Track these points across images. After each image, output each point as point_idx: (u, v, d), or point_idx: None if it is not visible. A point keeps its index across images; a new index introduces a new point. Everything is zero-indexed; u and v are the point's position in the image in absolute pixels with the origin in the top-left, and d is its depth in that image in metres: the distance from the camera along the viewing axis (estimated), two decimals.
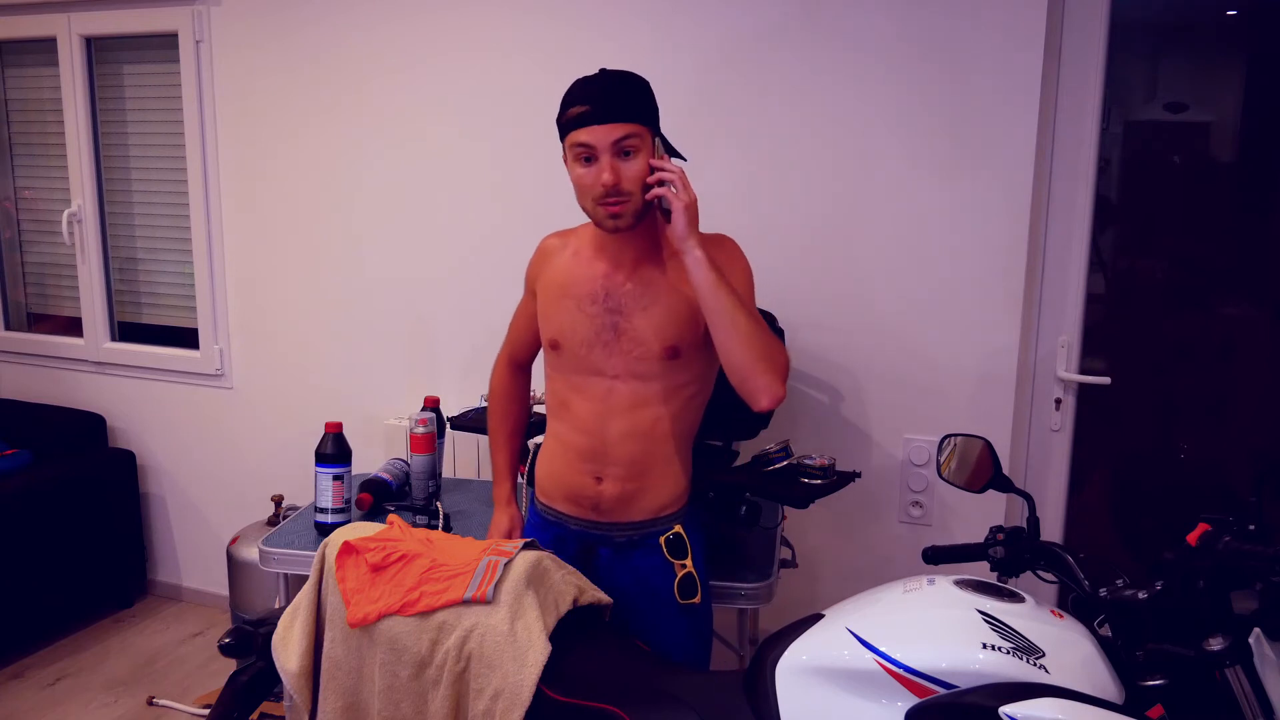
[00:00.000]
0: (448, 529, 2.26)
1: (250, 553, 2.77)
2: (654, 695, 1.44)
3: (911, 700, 1.25)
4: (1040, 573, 1.47)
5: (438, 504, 2.32)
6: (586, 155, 1.64)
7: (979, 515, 2.51)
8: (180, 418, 3.41)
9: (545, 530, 1.88)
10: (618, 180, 1.62)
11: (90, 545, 3.25)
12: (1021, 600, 1.32)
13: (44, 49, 3.37)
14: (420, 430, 2.36)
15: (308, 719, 1.64)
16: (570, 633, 1.56)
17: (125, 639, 3.25)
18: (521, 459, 2.14)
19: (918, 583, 1.40)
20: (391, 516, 1.81)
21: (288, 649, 1.63)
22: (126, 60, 3.30)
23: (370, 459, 3.00)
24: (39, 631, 3.18)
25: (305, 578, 1.70)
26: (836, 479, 2.06)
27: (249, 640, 1.66)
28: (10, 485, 3.03)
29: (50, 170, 3.49)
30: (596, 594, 1.67)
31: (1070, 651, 1.25)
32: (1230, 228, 2.42)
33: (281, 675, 1.62)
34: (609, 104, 1.62)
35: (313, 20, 2.97)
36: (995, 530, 1.52)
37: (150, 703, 2.85)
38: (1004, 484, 1.56)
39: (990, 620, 1.28)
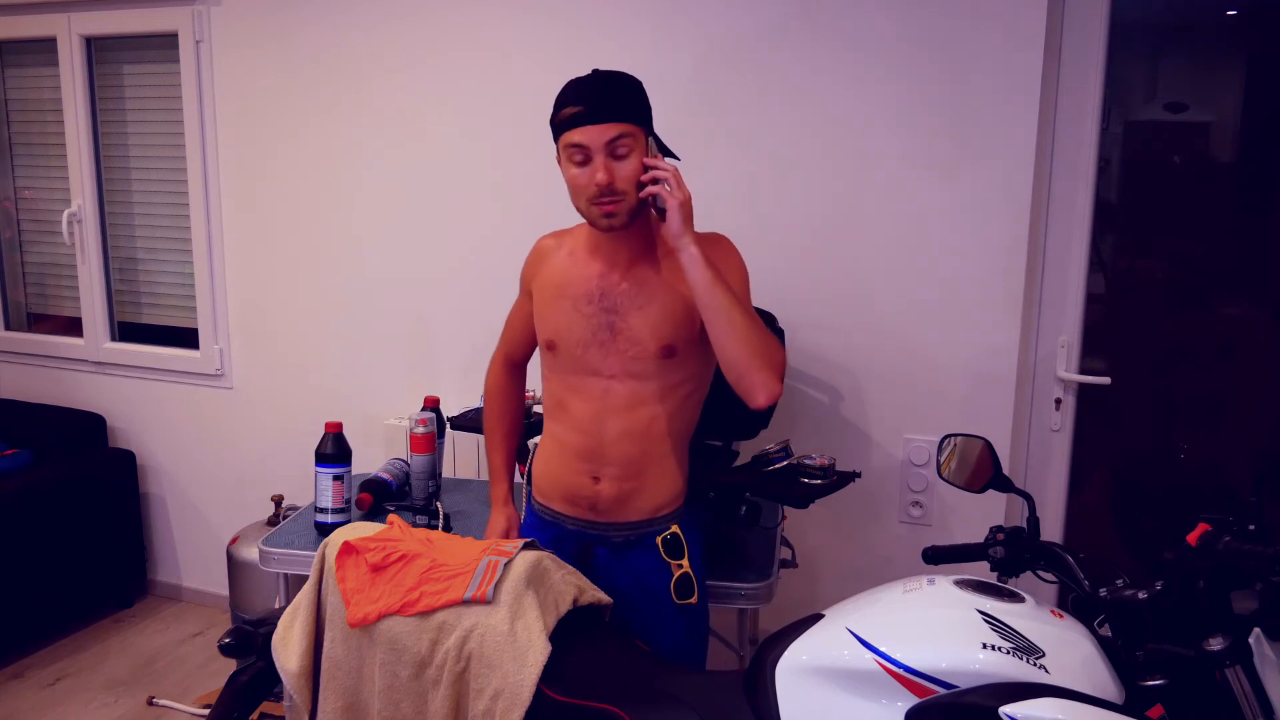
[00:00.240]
0: (448, 529, 2.26)
1: (250, 553, 2.77)
2: (654, 695, 1.44)
3: (911, 700, 1.25)
4: (1040, 573, 1.47)
5: (438, 504, 2.32)
6: (580, 156, 1.64)
7: (979, 515, 2.51)
8: (180, 418, 3.42)
9: (543, 530, 1.88)
10: (611, 180, 1.63)
11: (90, 545, 3.25)
12: (1021, 600, 1.32)
13: (44, 49, 3.37)
14: (420, 430, 2.36)
15: (308, 719, 1.64)
16: (570, 633, 1.56)
17: (125, 639, 3.25)
18: (521, 458, 2.14)
19: (918, 583, 1.40)
20: (391, 516, 1.81)
21: (288, 649, 1.63)
22: (126, 60, 3.30)
23: (370, 459, 3.00)
24: (39, 631, 3.18)
25: (305, 578, 1.70)
26: (836, 479, 2.06)
27: (249, 640, 1.66)
28: (10, 485, 3.03)
29: (50, 170, 3.49)
30: (596, 594, 1.67)
31: (1070, 651, 1.25)
32: (1230, 228, 2.42)
33: (281, 675, 1.62)
34: (601, 104, 1.62)
35: (313, 20, 2.97)
36: (995, 530, 1.52)
37: (150, 703, 2.85)
38: (1004, 484, 1.56)
39: (990, 620, 1.28)
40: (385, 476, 2.42)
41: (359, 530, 1.70)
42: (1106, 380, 2.45)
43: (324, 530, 2.23)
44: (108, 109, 3.36)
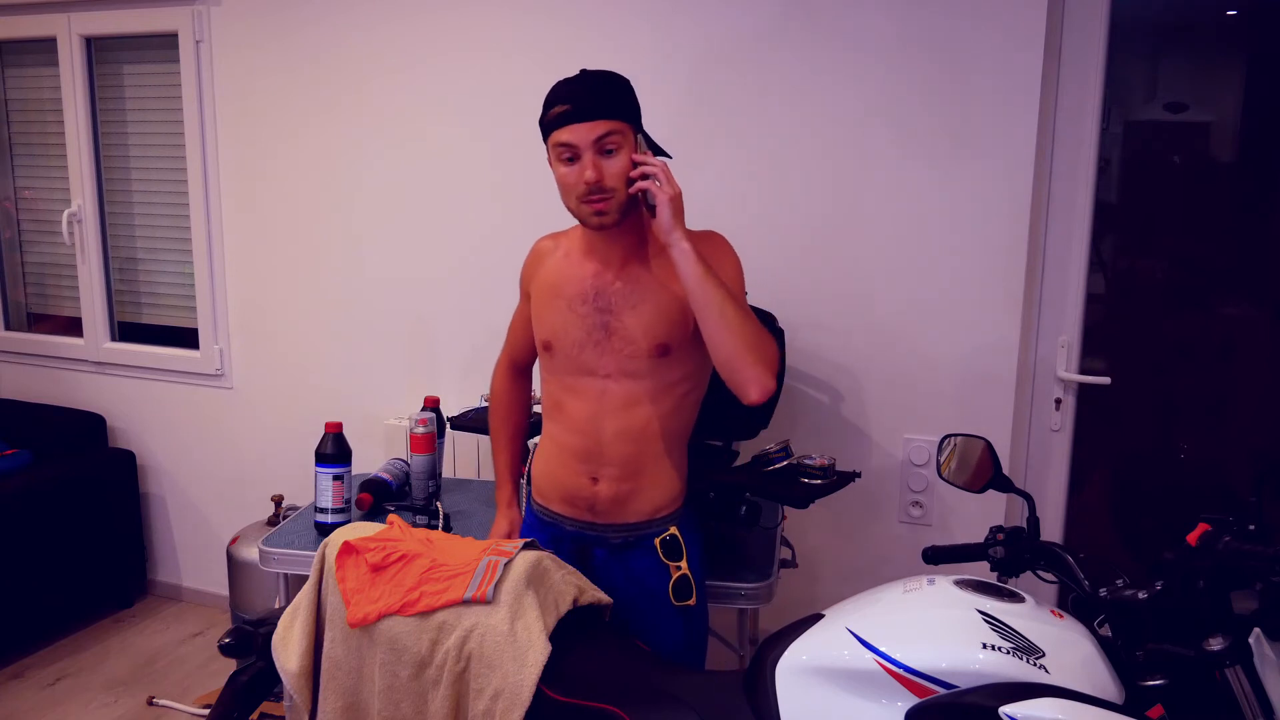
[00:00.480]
0: (448, 529, 2.26)
1: (250, 553, 2.77)
2: (654, 695, 1.44)
3: (911, 700, 1.25)
4: (1040, 573, 1.47)
5: (438, 504, 2.32)
6: (569, 154, 1.65)
7: (979, 515, 2.51)
8: (180, 418, 3.41)
9: (541, 531, 1.88)
10: (600, 177, 1.63)
11: (90, 545, 3.25)
12: (1021, 600, 1.32)
13: (44, 49, 3.37)
14: (420, 430, 2.36)
15: (308, 719, 1.64)
16: (570, 633, 1.56)
17: (125, 639, 3.25)
18: (524, 460, 2.14)
19: (918, 583, 1.40)
20: (391, 516, 1.81)
21: (288, 649, 1.63)
22: (126, 60, 3.30)
23: (370, 459, 3.00)
24: (39, 631, 3.18)
25: (305, 578, 1.70)
26: (836, 479, 2.06)
27: (249, 640, 1.66)
28: (10, 485, 3.03)
29: (50, 170, 3.49)
30: (596, 594, 1.67)
31: (1070, 651, 1.25)
32: (1230, 228, 2.42)
33: (281, 675, 1.62)
34: (589, 102, 1.62)
35: (313, 20, 2.97)
36: (995, 530, 1.52)
37: (150, 703, 2.85)
38: (1004, 484, 1.56)
39: (990, 620, 1.28)
40: (385, 476, 2.42)
41: (359, 530, 1.70)
42: (1106, 380, 2.45)
43: (324, 530, 2.23)
44: (108, 109, 3.36)
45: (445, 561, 1.59)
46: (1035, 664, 1.22)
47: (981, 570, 1.49)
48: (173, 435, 3.44)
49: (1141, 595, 1.28)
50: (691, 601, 1.80)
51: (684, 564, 1.79)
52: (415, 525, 1.97)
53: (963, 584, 1.36)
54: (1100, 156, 2.39)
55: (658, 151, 1.71)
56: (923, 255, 2.47)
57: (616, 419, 1.76)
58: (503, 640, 1.49)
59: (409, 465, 2.42)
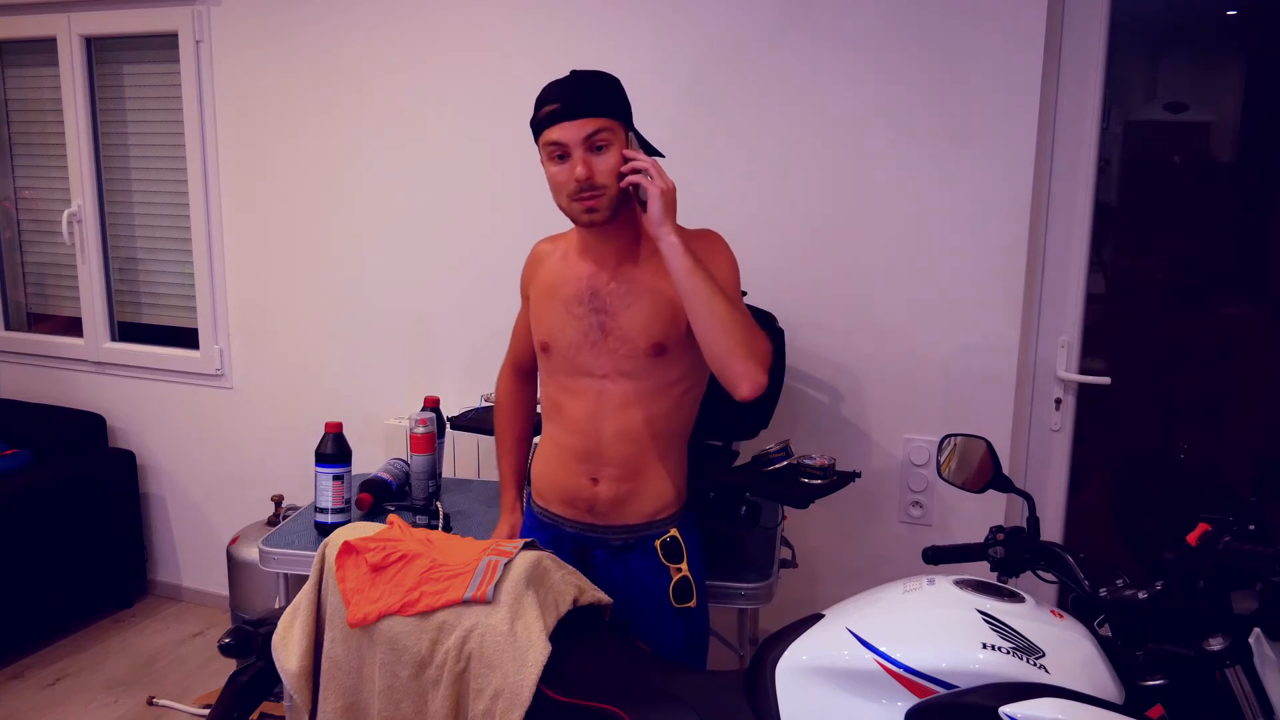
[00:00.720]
0: (448, 529, 2.26)
1: (250, 553, 2.77)
2: (654, 695, 1.44)
3: (911, 700, 1.25)
4: (1040, 573, 1.47)
5: (438, 504, 2.32)
6: (560, 153, 1.65)
7: (979, 515, 2.51)
8: (180, 418, 3.41)
9: (541, 532, 1.88)
10: (590, 174, 1.63)
11: (90, 545, 3.25)
12: (1021, 600, 1.32)
13: (44, 49, 3.37)
14: (420, 430, 2.36)
15: (308, 719, 1.64)
16: (570, 633, 1.56)
17: (125, 639, 3.25)
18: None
19: (918, 583, 1.40)
20: (391, 516, 1.81)
21: (288, 649, 1.63)
22: (126, 60, 3.30)
23: (370, 459, 3.00)
24: (39, 631, 3.18)
25: (305, 578, 1.70)
26: (836, 479, 2.06)
27: (249, 640, 1.66)
28: (10, 485, 3.03)
29: (50, 170, 3.49)
30: (596, 594, 1.67)
31: (1070, 651, 1.25)
32: (1230, 228, 2.42)
33: (281, 675, 1.62)
34: (578, 100, 1.63)
35: (313, 20, 2.97)
36: (995, 530, 1.52)
37: (150, 703, 2.85)
38: (1004, 484, 1.56)
39: (990, 620, 1.28)
40: (385, 476, 2.42)
41: (359, 530, 1.70)
42: (1106, 380, 2.45)
43: (324, 530, 2.23)
44: (108, 109, 3.36)
45: (445, 561, 1.60)
46: (1035, 664, 1.22)
47: (981, 570, 1.49)
48: (173, 435, 3.44)
49: (1141, 595, 1.28)
50: (692, 603, 1.80)
51: (684, 566, 1.79)
52: (415, 525, 1.97)
53: (963, 584, 1.36)
54: (1100, 156, 2.39)
55: (650, 149, 1.71)
56: (923, 255, 2.47)
57: (615, 419, 1.76)
58: (503, 640, 1.49)
59: (409, 465, 2.42)
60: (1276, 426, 2.42)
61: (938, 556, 1.57)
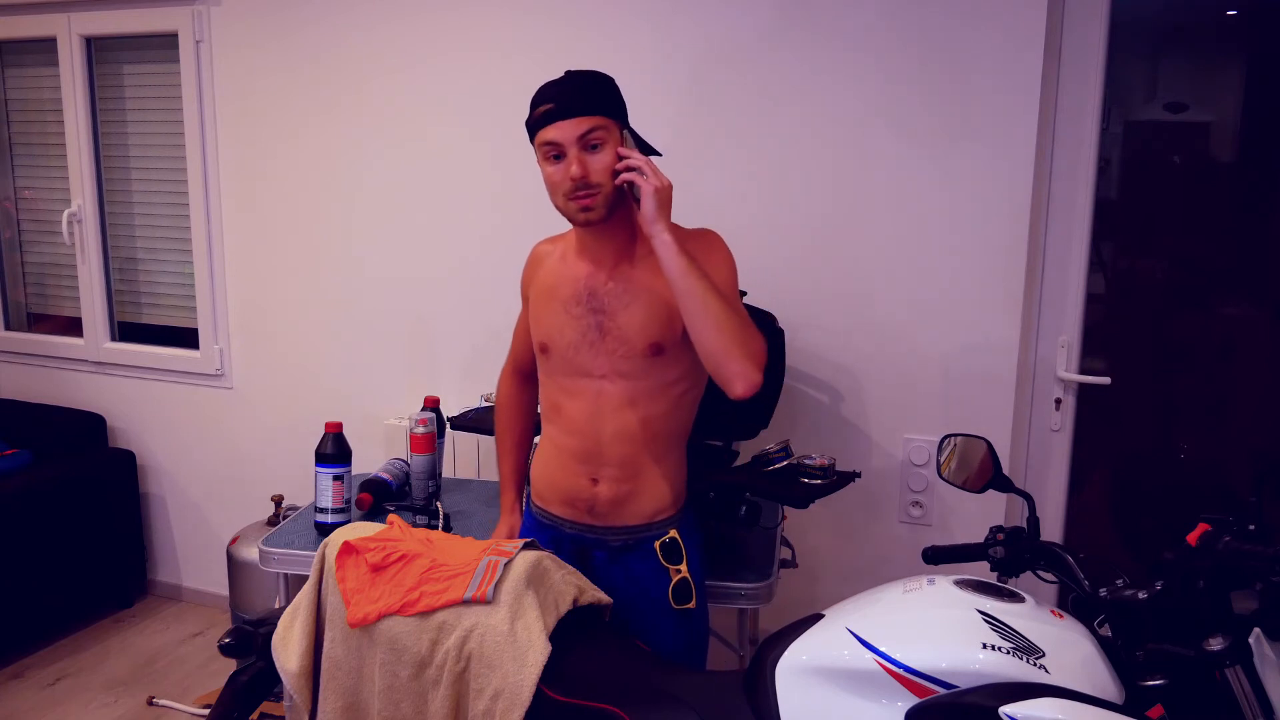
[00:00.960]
0: (448, 529, 2.26)
1: (250, 553, 2.77)
2: (654, 695, 1.44)
3: (911, 700, 1.25)
4: (1040, 573, 1.47)
5: (438, 504, 2.32)
6: (555, 152, 1.65)
7: (979, 515, 2.51)
8: (180, 418, 3.41)
9: (541, 534, 1.87)
10: (585, 173, 1.63)
11: (90, 545, 3.25)
12: (1021, 600, 1.32)
13: (44, 49, 3.37)
14: (420, 430, 2.36)
15: (308, 719, 1.64)
16: (570, 633, 1.56)
17: (125, 639, 3.25)
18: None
19: (918, 583, 1.40)
20: (391, 516, 1.81)
21: (288, 649, 1.63)
22: (126, 60, 3.30)
23: (370, 459, 3.00)
24: (39, 631, 3.18)
25: (305, 578, 1.70)
26: (836, 479, 2.06)
27: (249, 640, 1.66)
28: (10, 485, 3.03)
29: (50, 170, 3.49)
30: (596, 594, 1.67)
31: (1070, 651, 1.25)
32: (1230, 228, 2.42)
33: (281, 675, 1.62)
34: (572, 100, 1.63)
35: (313, 20, 2.97)
36: (995, 530, 1.52)
37: (150, 703, 2.85)
38: (1004, 484, 1.56)
39: (990, 620, 1.28)
40: (385, 476, 2.42)
41: (359, 530, 1.70)
42: (1106, 380, 2.45)
43: (324, 530, 2.23)
44: (108, 109, 3.36)
45: (445, 561, 1.60)
46: (1035, 664, 1.22)
47: (981, 570, 1.49)
48: (173, 435, 3.44)
49: (1141, 595, 1.28)
50: (691, 605, 1.79)
51: (684, 567, 1.79)
52: (415, 525, 1.97)
53: (963, 584, 1.36)
54: (1100, 156, 2.39)
55: (646, 149, 1.71)
56: (923, 255, 2.47)
57: (614, 419, 1.76)
58: (503, 640, 1.49)
59: (409, 465, 2.42)
60: (1276, 426, 2.42)
61: (938, 556, 1.57)
